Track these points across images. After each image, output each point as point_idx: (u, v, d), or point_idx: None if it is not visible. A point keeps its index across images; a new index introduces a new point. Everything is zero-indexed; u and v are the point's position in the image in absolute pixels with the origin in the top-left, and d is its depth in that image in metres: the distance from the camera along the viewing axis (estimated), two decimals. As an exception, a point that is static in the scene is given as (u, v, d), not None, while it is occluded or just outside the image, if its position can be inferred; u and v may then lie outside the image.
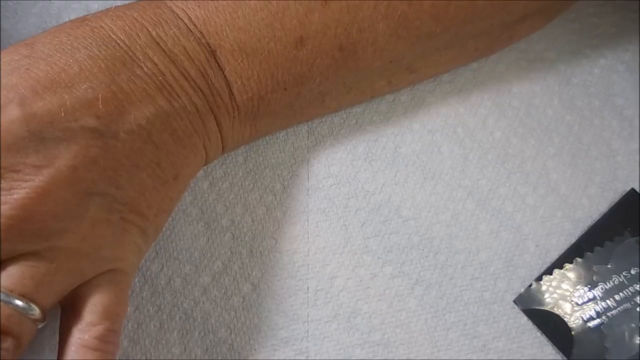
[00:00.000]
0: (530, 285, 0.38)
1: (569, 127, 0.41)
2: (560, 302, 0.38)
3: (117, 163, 0.30)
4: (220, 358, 0.38)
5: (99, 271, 0.31)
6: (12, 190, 0.28)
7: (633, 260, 0.38)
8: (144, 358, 0.38)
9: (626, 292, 0.38)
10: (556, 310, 0.38)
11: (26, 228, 0.28)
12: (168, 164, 0.33)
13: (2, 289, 0.28)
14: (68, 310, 0.31)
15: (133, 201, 0.31)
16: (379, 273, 0.38)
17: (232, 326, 0.38)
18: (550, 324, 0.38)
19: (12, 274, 0.28)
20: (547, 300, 0.38)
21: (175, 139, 0.33)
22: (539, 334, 0.38)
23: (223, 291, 0.38)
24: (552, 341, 0.37)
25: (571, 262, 0.38)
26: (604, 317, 0.37)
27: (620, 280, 0.38)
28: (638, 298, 0.37)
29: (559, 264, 0.38)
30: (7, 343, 0.28)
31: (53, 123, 0.28)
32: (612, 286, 0.38)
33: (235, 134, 0.37)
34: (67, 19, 0.42)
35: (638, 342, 0.37)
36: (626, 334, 0.37)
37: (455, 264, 0.39)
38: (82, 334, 0.30)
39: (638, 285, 0.37)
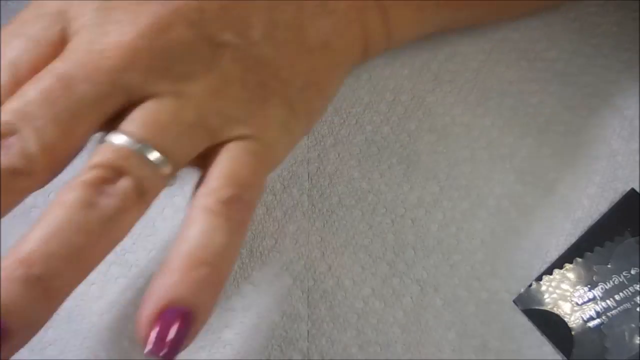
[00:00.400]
0: (530, 285, 0.38)
1: (569, 127, 0.41)
2: (560, 302, 0.38)
3: (250, 14, 0.28)
4: (220, 358, 0.38)
5: (232, 134, 0.27)
6: (136, 18, 0.25)
7: (633, 260, 0.38)
8: (145, 358, 0.38)
9: (626, 292, 0.37)
10: (556, 310, 0.38)
11: (147, 62, 0.25)
12: (313, 29, 0.29)
13: (133, 138, 0.25)
14: (200, 175, 0.28)
15: (273, 62, 0.28)
16: (378, 272, 0.38)
17: (232, 326, 0.38)
18: (550, 324, 0.38)
19: (136, 118, 0.25)
20: (547, 300, 0.38)
21: (322, 3, 0.29)
22: (538, 334, 0.38)
23: (223, 291, 0.38)
24: (551, 341, 0.37)
25: (571, 262, 0.38)
26: (604, 317, 0.37)
27: (620, 280, 0.38)
28: (638, 298, 0.37)
29: (558, 264, 0.38)
30: (125, 183, 0.24)
31: None
32: (612, 286, 0.38)
33: (407, 14, 0.32)
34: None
35: (638, 342, 0.37)
36: (626, 334, 0.37)
37: (455, 263, 0.39)
38: (206, 198, 0.26)
39: (638, 285, 0.37)
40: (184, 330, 0.24)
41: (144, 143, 0.25)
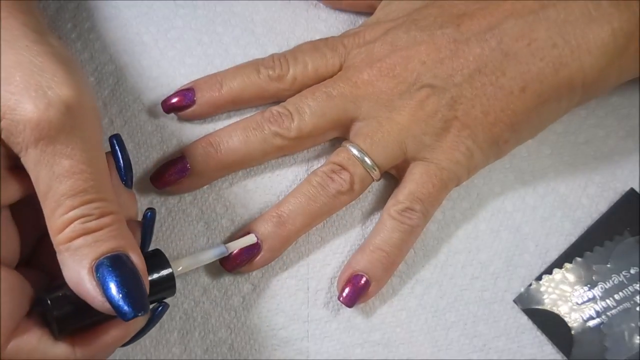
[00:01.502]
0: (530, 285, 0.38)
1: (568, 127, 0.41)
2: (560, 301, 0.38)
3: (460, 65, 0.36)
4: (220, 358, 0.38)
5: (417, 155, 0.37)
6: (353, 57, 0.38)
7: (633, 259, 0.38)
8: (145, 358, 0.38)
9: (626, 291, 0.38)
10: (556, 310, 0.38)
11: (377, 96, 0.37)
12: (513, 72, 0.36)
13: (357, 148, 0.37)
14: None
15: (468, 102, 0.36)
16: (379, 273, 0.38)
17: (232, 326, 0.38)
18: (550, 324, 0.38)
19: (364, 134, 0.37)
20: (547, 299, 0.38)
21: (532, 50, 0.36)
22: (538, 333, 0.38)
23: (223, 291, 0.38)
24: (552, 340, 0.37)
25: (571, 262, 0.38)
26: (603, 317, 0.37)
27: (620, 279, 0.38)
28: (638, 297, 0.37)
29: (558, 263, 0.38)
30: (344, 175, 0.37)
31: (427, 29, 0.37)
32: (612, 286, 0.38)
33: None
34: (64, 19, 0.42)
35: (638, 341, 0.37)
36: (626, 333, 0.37)
37: (455, 263, 0.39)
38: (391, 207, 0.37)
39: (638, 285, 0.38)
40: (362, 291, 0.37)
41: (364, 152, 0.37)
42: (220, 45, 0.42)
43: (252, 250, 0.37)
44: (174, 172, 0.38)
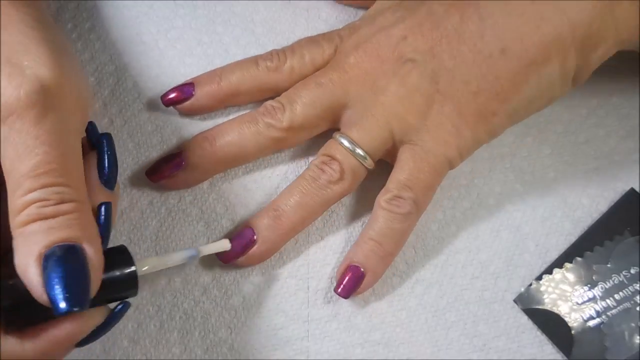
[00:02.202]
0: (530, 285, 0.38)
1: (568, 126, 0.41)
2: (560, 301, 0.38)
3: (439, 35, 0.35)
4: (220, 358, 0.38)
5: (404, 138, 0.36)
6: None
7: (633, 259, 0.38)
8: (144, 358, 0.38)
9: (626, 291, 0.38)
10: (556, 310, 0.38)
11: (362, 79, 0.36)
12: (493, 36, 0.34)
13: (347, 138, 0.37)
14: None
15: (448, 73, 0.35)
16: (379, 272, 0.38)
17: (233, 326, 0.38)
18: (550, 323, 0.38)
19: (351, 123, 0.37)
20: (547, 299, 0.38)
21: (509, 9, 0.34)
22: (539, 333, 0.38)
23: (223, 291, 0.38)
24: (552, 340, 0.37)
25: (571, 262, 0.38)
26: (603, 317, 0.37)
27: (620, 279, 0.38)
28: (638, 297, 0.37)
29: (559, 263, 0.38)
30: (334, 165, 0.37)
31: (412, 9, 0.36)
32: (612, 285, 0.38)
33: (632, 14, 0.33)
34: (64, 19, 0.42)
35: (638, 341, 0.37)
36: (626, 333, 0.37)
37: (456, 263, 0.39)
38: (380, 197, 0.37)
39: (638, 285, 0.38)
40: (357, 282, 0.37)
41: (354, 143, 0.36)
42: (220, 45, 0.42)
43: (247, 243, 0.37)
44: (170, 167, 0.38)
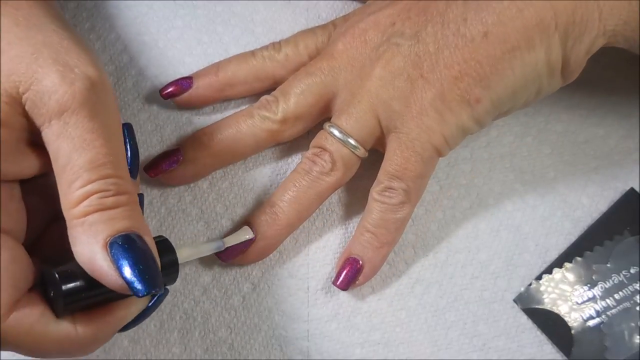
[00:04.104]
0: (530, 285, 0.38)
1: (568, 126, 0.41)
2: (560, 301, 0.38)
3: (425, 19, 0.35)
4: (220, 358, 0.38)
5: (389, 125, 0.36)
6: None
7: (633, 259, 0.38)
8: (145, 358, 0.38)
9: (626, 291, 0.38)
10: (556, 310, 0.38)
11: (346, 63, 0.37)
12: (475, 20, 0.34)
13: (337, 128, 0.37)
14: None
15: (431, 57, 0.35)
16: (379, 272, 0.38)
17: (233, 326, 0.38)
18: (550, 323, 0.38)
19: (340, 111, 0.37)
20: (547, 299, 0.38)
21: None
22: (538, 333, 0.38)
23: (223, 291, 0.38)
24: (551, 340, 0.37)
25: (571, 261, 0.38)
26: (603, 316, 0.37)
27: (620, 279, 0.38)
28: (638, 297, 0.37)
29: (558, 263, 0.38)
30: (325, 156, 0.37)
31: None
32: (612, 285, 0.38)
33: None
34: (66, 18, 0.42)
35: (638, 341, 0.37)
36: (626, 333, 0.37)
37: (455, 263, 0.39)
38: (373, 188, 0.37)
39: (638, 284, 0.38)
40: (355, 274, 0.37)
41: (343, 132, 0.36)
42: (220, 45, 0.42)
43: (246, 242, 0.37)
44: (167, 161, 0.38)
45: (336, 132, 0.37)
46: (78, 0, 0.42)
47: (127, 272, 0.28)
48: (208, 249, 0.35)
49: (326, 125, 0.37)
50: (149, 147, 0.40)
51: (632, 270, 0.38)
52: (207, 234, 0.39)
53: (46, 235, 0.33)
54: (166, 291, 0.32)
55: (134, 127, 0.39)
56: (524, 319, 0.38)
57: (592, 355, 0.37)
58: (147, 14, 0.42)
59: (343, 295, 0.38)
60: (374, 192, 0.37)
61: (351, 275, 0.37)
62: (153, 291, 0.28)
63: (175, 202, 0.39)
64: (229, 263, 0.38)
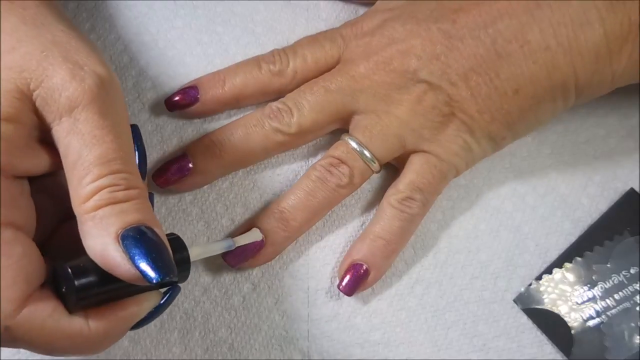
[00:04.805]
0: (530, 285, 0.38)
1: (568, 126, 0.41)
2: (560, 301, 0.38)
3: (456, 63, 0.36)
4: (220, 358, 0.38)
5: (416, 148, 0.38)
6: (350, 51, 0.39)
7: (632, 259, 0.38)
8: (145, 358, 0.38)
9: (626, 291, 0.38)
10: (556, 310, 0.38)
11: (375, 90, 0.37)
12: (508, 76, 0.36)
13: (356, 141, 0.38)
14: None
15: (464, 101, 0.36)
16: (379, 272, 0.38)
17: (233, 326, 0.38)
18: (550, 323, 0.38)
19: (362, 127, 0.38)
20: (547, 299, 0.38)
21: (525, 52, 0.36)
22: (538, 333, 0.38)
23: (223, 291, 0.38)
24: (551, 340, 0.38)
25: (571, 262, 0.38)
26: (603, 317, 0.37)
27: (620, 279, 0.38)
28: (638, 297, 0.37)
29: (558, 263, 0.39)
30: (343, 169, 0.37)
31: (424, 22, 0.37)
32: (612, 285, 0.38)
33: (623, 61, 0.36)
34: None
35: (638, 341, 0.37)
36: (626, 333, 0.37)
37: (455, 263, 0.39)
38: (392, 196, 0.38)
39: (638, 285, 0.38)
40: (361, 280, 0.37)
41: (363, 145, 0.37)
42: (220, 45, 0.42)
43: (255, 247, 0.37)
44: (176, 171, 0.38)
45: (357, 147, 0.37)
46: (78, 0, 0.42)
47: (140, 261, 0.28)
48: (219, 248, 0.35)
49: (347, 138, 0.38)
50: (149, 147, 0.40)
51: (632, 271, 0.38)
52: (207, 234, 0.39)
53: (55, 236, 0.33)
54: (178, 288, 0.32)
55: (134, 128, 0.40)
56: (524, 319, 0.38)
57: (592, 355, 0.37)
58: (147, 14, 0.42)
59: (343, 295, 0.38)
60: (393, 200, 0.37)
61: (357, 280, 0.37)
62: (167, 278, 0.28)
63: (176, 202, 0.39)
64: (236, 267, 0.38)
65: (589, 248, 0.38)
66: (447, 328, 0.38)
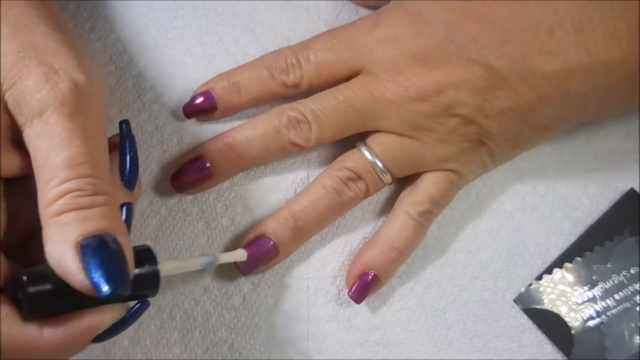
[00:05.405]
0: (530, 285, 0.38)
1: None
2: (560, 301, 0.38)
3: (496, 100, 0.36)
4: (220, 358, 0.38)
5: (440, 167, 0.37)
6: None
7: (633, 259, 0.38)
8: (145, 358, 0.38)
9: (626, 291, 0.38)
10: (556, 310, 0.38)
11: (412, 119, 0.36)
12: (542, 114, 0.36)
13: (369, 150, 0.37)
14: (408, 186, 0.39)
15: (494, 132, 0.37)
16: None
17: (233, 326, 0.38)
18: (550, 323, 0.38)
19: (381, 143, 0.37)
20: (547, 299, 0.38)
21: (564, 98, 0.36)
22: (538, 333, 0.38)
23: (223, 291, 0.38)
24: (552, 340, 0.38)
25: (571, 262, 0.38)
26: (603, 317, 0.37)
27: (620, 279, 0.38)
28: (638, 297, 0.37)
29: (558, 263, 0.39)
30: (360, 184, 0.37)
31: (465, 49, 0.36)
32: (612, 285, 0.38)
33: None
34: (65, 19, 0.42)
35: (638, 341, 0.37)
36: (626, 333, 0.37)
37: (455, 263, 0.39)
38: (410, 206, 0.37)
39: (638, 285, 0.38)
40: (372, 288, 0.37)
41: (378, 158, 0.37)
42: (220, 45, 0.42)
43: (269, 256, 0.37)
44: (193, 173, 0.38)
45: (374, 161, 0.37)
46: (78, 1, 0.42)
47: (94, 272, 0.27)
48: (199, 264, 0.34)
49: (366, 153, 0.37)
50: (149, 147, 0.40)
51: (632, 271, 0.38)
52: (207, 234, 0.39)
53: (32, 242, 0.32)
54: (147, 303, 0.31)
55: (134, 128, 0.40)
56: (524, 319, 0.38)
57: (592, 355, 0.37)
58: (147, 14, 0.42)
59: (343, 295, 0.38)
60: (414, 212, 0.37)
61: (368, 289, 0.37)
62: (118, 291, 0.27)
63: (176, 201, 0.39)
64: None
65: (589, 248, 0.38)
66: (447, 328, 0.38)
